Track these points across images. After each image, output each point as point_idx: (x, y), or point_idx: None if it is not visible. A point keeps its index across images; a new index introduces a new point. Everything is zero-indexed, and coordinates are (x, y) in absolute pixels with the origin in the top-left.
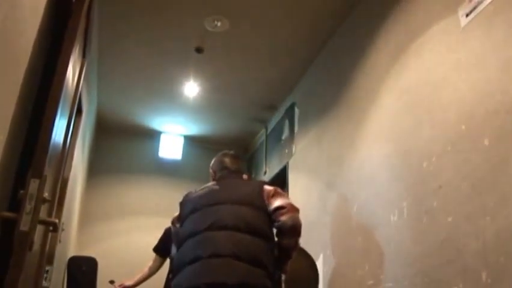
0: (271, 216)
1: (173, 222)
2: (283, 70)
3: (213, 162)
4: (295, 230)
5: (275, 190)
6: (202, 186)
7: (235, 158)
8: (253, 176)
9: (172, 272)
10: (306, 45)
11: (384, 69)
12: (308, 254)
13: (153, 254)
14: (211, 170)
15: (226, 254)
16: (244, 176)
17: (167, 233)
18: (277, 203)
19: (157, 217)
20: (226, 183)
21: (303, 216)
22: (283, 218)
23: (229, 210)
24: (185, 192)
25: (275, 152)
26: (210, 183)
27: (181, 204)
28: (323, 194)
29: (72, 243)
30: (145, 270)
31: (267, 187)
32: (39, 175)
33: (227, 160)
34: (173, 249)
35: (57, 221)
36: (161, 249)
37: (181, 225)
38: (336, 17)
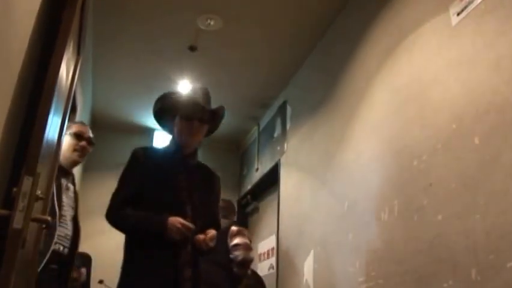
0: (229, 250)
1: None
2: (276, 68)
3: None
4: (244, 263)
5: (237, 231)
6: None
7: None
8: (245, 172)
9: None
10: (298, 44)
11: (375, 67)
12: (255, 272)
13: None
14: None
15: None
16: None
17: None
18: (235, 241)
19: None
20: None
21: (294, 213)
22: (236, 253)
23: None
24: None
25: (267, 149)
26: None
27: None
28: (315, 191)
29: None
30: None
31: (233, 228)
32: (33, 173)
33: None
34: None
35: (50, 218)
36: None
37: None
38: (327, 16)
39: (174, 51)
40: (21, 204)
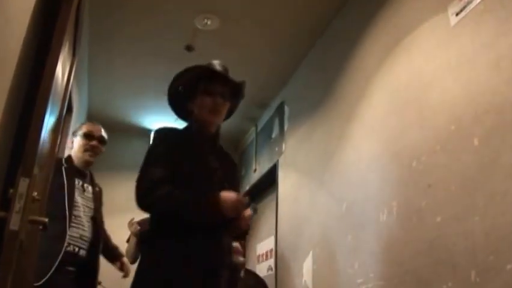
0: None
1: None
2: (274, 68)
3: None
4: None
5: None
6: None
7: None
8: (243, 173)
9: None
10: (296, 44)
11: (373, 68)
12: (255, 273)
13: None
14: None
15: None
16: None
17: None
18: None
19: (146, 215)
20: None
21: (293, 214)
22: None
23: None
24: None
25: (265, 150)
26: None
27: None
28: (313, 192)
29: None
30: None
31: None
32: (29, 174)
33: None
34: None
35: (46, 220)
36: None
37: None
38: (326, 16)
39: (171, 51)
40: (17, 205)
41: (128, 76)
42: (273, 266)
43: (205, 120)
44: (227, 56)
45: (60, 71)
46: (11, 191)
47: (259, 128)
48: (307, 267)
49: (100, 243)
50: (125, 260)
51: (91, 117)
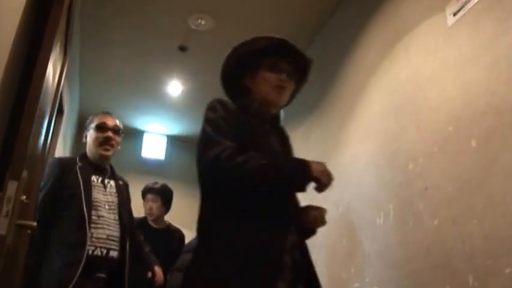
0: None
1: None
2: None
3: None
4: None
5: None
6: None
7: None
8: None
9: None
10: (292, 43)
11: (370, 68)
12: None
13: None
14: None
15: None
16: None
17: None
18: None
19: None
20: None
21: None
22: None
23: None
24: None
25: None
26: None
27: None
28: (308, 194)
29: None
30: None
31: None
32: (18, 177)
33: None
34: None
35: (35, 224)
36: None
37: None
38: (322, 15)
39: (164, 51)
40: (5, 209)
41: (120, 76)
42: None
43: (267, 99)
44: (221, 56)
45: (51, 71)
46: None
47: None
48: None
49: (127, 240)
50: (158, 269)
51: (82, 118)
